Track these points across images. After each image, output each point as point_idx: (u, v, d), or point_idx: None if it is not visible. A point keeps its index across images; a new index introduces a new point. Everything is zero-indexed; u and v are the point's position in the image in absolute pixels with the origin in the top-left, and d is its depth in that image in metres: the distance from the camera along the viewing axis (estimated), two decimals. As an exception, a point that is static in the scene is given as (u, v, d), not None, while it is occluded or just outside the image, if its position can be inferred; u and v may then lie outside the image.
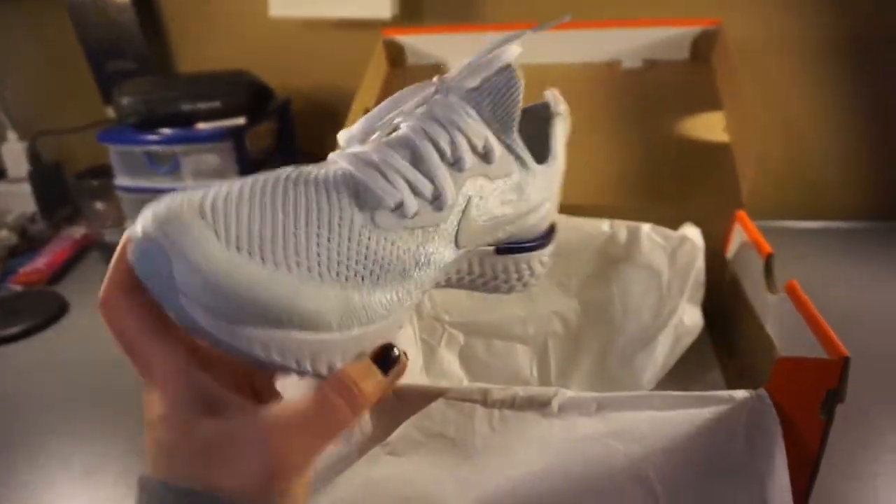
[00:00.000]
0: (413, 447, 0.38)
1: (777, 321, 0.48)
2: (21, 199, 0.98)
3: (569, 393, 0.40)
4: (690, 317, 0.51)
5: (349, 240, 0.28)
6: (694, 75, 0.75)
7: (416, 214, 0.30)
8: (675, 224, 0.60)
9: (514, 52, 0.33)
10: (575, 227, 0.56)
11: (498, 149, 0.33)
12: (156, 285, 0.25)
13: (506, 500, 0.36)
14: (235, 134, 0.79)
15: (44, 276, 0.85)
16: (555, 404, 0.39)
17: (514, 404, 0.40)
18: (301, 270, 0.26)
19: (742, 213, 0.59)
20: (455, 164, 0.32)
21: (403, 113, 0.33)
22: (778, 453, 0.36)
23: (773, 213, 0.89)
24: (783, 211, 0.90)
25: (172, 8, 0.99)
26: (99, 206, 0.89)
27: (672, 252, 0.53)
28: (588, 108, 0.74)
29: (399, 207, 0.29)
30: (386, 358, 0.29)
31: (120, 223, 0.87)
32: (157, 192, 0.83)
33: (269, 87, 0.89)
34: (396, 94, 0.34)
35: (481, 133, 0.32)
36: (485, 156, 0.33)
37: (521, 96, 0.34)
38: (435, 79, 0.34)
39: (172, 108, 0.79)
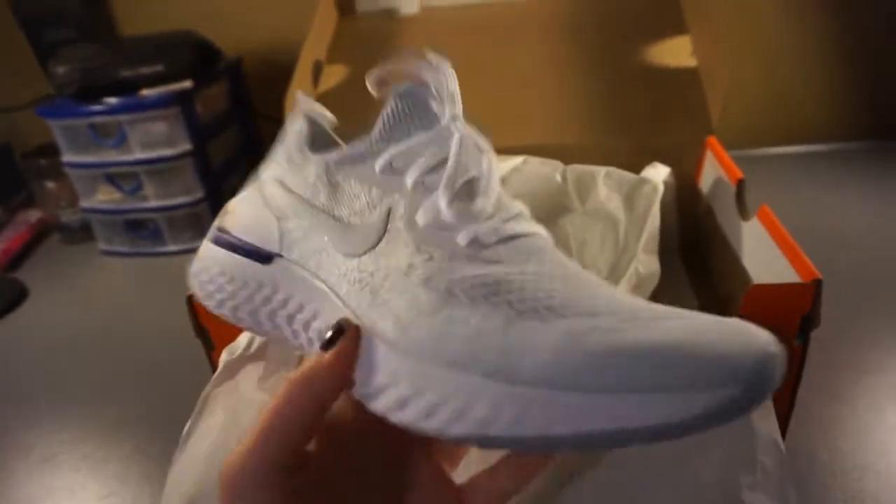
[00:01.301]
0: None
1: (751, 247, 0.46)
2: (-29, 186, 0.94)
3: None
4: (646, 265, 0.48)
5: None
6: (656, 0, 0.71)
7: None
8: (645, 157, 0.57)
9: None
10: (528, 180, 0.53)
11: None
12: None
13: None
14: (183, 98, 0.75)
15: (0, 263, 0.82)
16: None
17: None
18: None
19: (712, 140, 0.57)
20: None
21: None
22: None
23: (748, 140, 0.87)
24: (758, 137, 0.88)
25: (108, -30, 0.94)
26: (50, 186, 0.85)
27: (628, 197, 0.50)
28: (547, 43, 0.70)
29: None
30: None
31: (74, 203, 0.83)
32: (106, 167, 0.79)
33: (216, 46, 0.84)
34: None
35: None
36: None
37: None
38: None
39: (112, 74, 0.75)
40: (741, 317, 0.34)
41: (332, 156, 0.28)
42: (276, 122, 0.31)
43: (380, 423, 0.23)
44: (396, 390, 0.22)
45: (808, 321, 0.37)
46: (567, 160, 0.55)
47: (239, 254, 0.30)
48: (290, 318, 0.28)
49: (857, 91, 0.87)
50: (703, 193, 0.58)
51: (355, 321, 0.24)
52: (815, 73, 0.87)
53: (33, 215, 0.93)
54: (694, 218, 0.59)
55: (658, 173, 0.53)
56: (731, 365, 0.18)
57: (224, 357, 0.42)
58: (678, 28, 0.67)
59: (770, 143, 0.88)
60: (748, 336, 0.19)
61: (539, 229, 0.26)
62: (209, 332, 0.44)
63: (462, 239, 0.24)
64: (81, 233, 0.87)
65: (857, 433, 0.43)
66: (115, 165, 0.77)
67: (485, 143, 0.27)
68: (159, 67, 0.75)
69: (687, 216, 0.59)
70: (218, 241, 0.31)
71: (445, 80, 0.27)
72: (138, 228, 0.82)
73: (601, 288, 0.22)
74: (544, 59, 0.69)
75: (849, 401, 0.45)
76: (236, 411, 0.37)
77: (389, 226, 0.25)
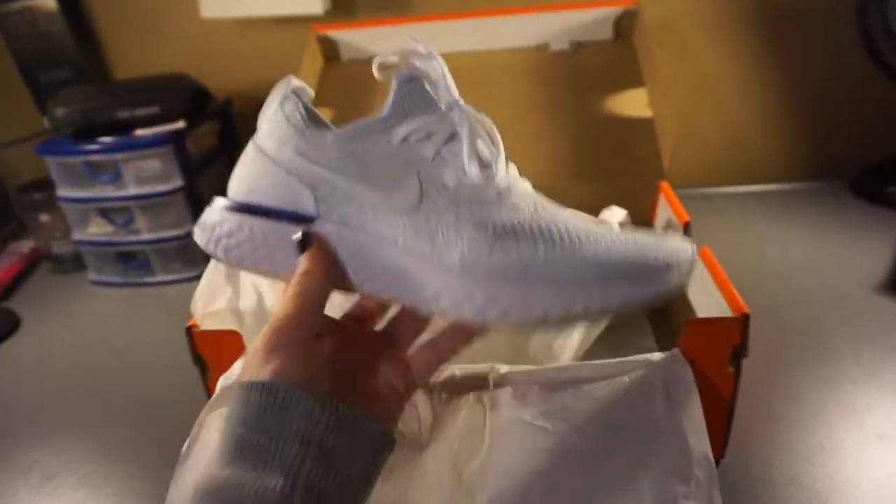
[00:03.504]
0: None
1: (695, 285, 0.51)
2: (-37, 217, 0.97)
3: (503, 369, 0.43)
4: None
5: None
6: (618, 54, 0.78)
7: None
8: (605, 201, 0.63)
9: None
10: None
11: None
12: None
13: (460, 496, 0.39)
14: (176, 138, 0.80)
15: (-7, 293, 0.85)
16: (490, 380, 0.42)
17: (452, 385, 0.43)
18: None
19: (664, 184, 0.63)
20: None
21: None
22: (694, 405, 0.40)
23: (701, 179, 0.94)
24: (710, 177, 0.95)
25: (103, 14, 0.98)
26: (44, 218, 0.88)
27: None
28: (519, 92, 0.77)
29: None
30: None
31: (66, 234, 0.87)
32: (100, 202, 0.83)
33: (207, 88, 0.89)
34: None
35: None
36: None
37: None
38: None
39: (109, 116, 0.79)
40: (680, 347, 0.40)
41: (349, 132, 0.34)
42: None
43: (365, 331, 0.38)
44: (473, 302, 0.32)
45: (739, 351, 0.42)
46: (534, 202, 0.61)
47: (274, 218, 0.35)
48: None
49: (800, 136, 0.95)
50: (656, 233, 0.64)
51: (402, 252, 0.33)
52: (762, 120, 0.94)
53: (25, 245, 0.96)
54: (650, 255, 0.65)
55: (614, 215, 0.59)
56: (677, 258, 0.33)
57: (220, 383, 0.46)
58: (636, 82, 0.74)
59: (721, 182, 0.95)
60: (682, 245, 0.34)
61: (527, 182, 0.37)
62: (206, 360, 0.49)
63: (490, 194, 0.33)
64: (72, 263, 0.90)
65: (786, 449, 0.48)
66: (110, 201, 0.81)
67: (487, 119, 0.36)
68: (155, 109, 0.80)
69: (643, 254, 0.65)
70: (242, 209, 0.36)
71: (438, 66, 0.34)
72: (129, 259, 0.86)
73: (574, 218, 0.35)
74: (515, 107, 0.75)
75: (780, 420, 0.51)
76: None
77: (425, 188, 0.33)
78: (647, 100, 0.72)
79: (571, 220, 0.34)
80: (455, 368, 0.43)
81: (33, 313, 0.81)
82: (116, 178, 0.80)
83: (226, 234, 0.36)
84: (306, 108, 0.36)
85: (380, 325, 0.40)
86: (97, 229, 0.85)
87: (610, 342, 0.56)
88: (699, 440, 0.39)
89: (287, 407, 0.29)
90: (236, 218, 0.36)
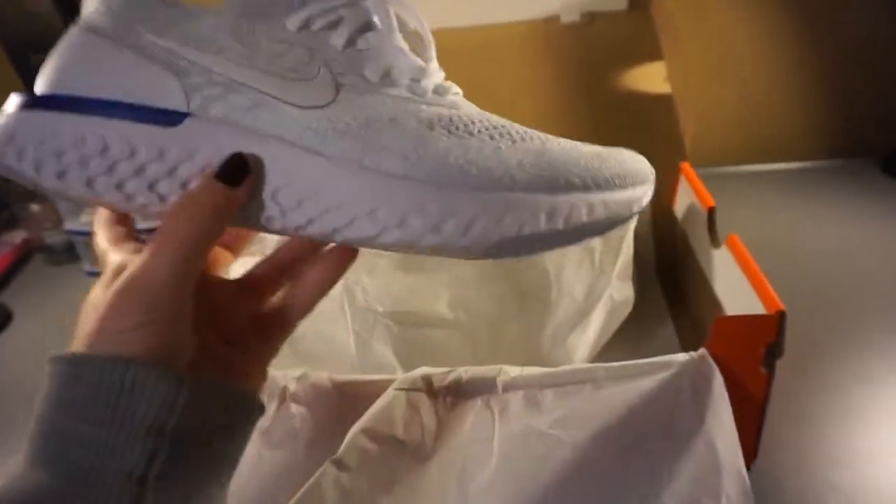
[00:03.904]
0: (363, 458, 0.37)
1: (721, 274, 0.48)
2: (-46, 207, 0.94)
3: (512, 371, 0.39)
4: (621, 292, 0.50)
5: None
6: (634, 26, 0.73)
7: None
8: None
9: None
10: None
11: None
12: None
13: None
14: (168, 122, 0.76)
15: (-15, 286, 0.83)
16: (499, 383, 0.39)
17: (458, 388, 0.39)
18: None
19: (686, 165, 0.59)
20: None
21: None
22: (724, 409, 0.37)
23: (724, 157, 0.89)
24: (734, 155, 0.90)
25: (92, -8, 0.94)
26: (35, 208, 0.85)
27: None
28: (527, 68, 0.72)
29: None
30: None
31: (58, 224, 0.84)
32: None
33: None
34: None
35: None
36: None
37: None
38: None
39: (97, 100, 0.75)
40: (708, 347, 0.36)
41: (228, 6, 0.27)
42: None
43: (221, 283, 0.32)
44: (423, 217, 0.25)
45: (773, 350, 0.38)
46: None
47: (121, 118, 0.26)
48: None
49: (829, 110, 0.90)
50: (678, 219, 0.60)
51: (320, 160, 0.26)
52: (789, 95, 0.89)
53: (17, 236, 0.93)
54: (671, 242, 0.61)
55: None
56: (646, 171, 0.31)
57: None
58: (654, 55, 0.69)
59: (745, 160, 0.90)
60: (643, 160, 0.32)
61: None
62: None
63: (427, 89, 0.28)
64: (65, 254, 0.87)
65: (822, 453, 0.45)
66: (101, 189, 0.78)
67: (410, 9, 0.30)
68: (144, 92, 0.76)
69: (664, 241, 0.61)
70: (56, 104, 0.27)
71: None
72: (124, 250, 0.83)
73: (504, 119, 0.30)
74: (523, 85, 0.71)
75: (814, 421, 0.47)
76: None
77: (340, 80, 0.27)
78: (665, 74, 0.67)
79: (513, 124, 0.29)
80: (461, 370, 0.40)
81: (26, 306, 0.79)
82: (107, 165, 0.76)
83: (36, 140, 0.26)
84: None
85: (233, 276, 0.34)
86: (90, 218, 0.81)
87: (628, 334, 0.53)
88: (731, 451, 0.35)
89: (132, 389, 0.22)
90: (50, 118, 0.27)
